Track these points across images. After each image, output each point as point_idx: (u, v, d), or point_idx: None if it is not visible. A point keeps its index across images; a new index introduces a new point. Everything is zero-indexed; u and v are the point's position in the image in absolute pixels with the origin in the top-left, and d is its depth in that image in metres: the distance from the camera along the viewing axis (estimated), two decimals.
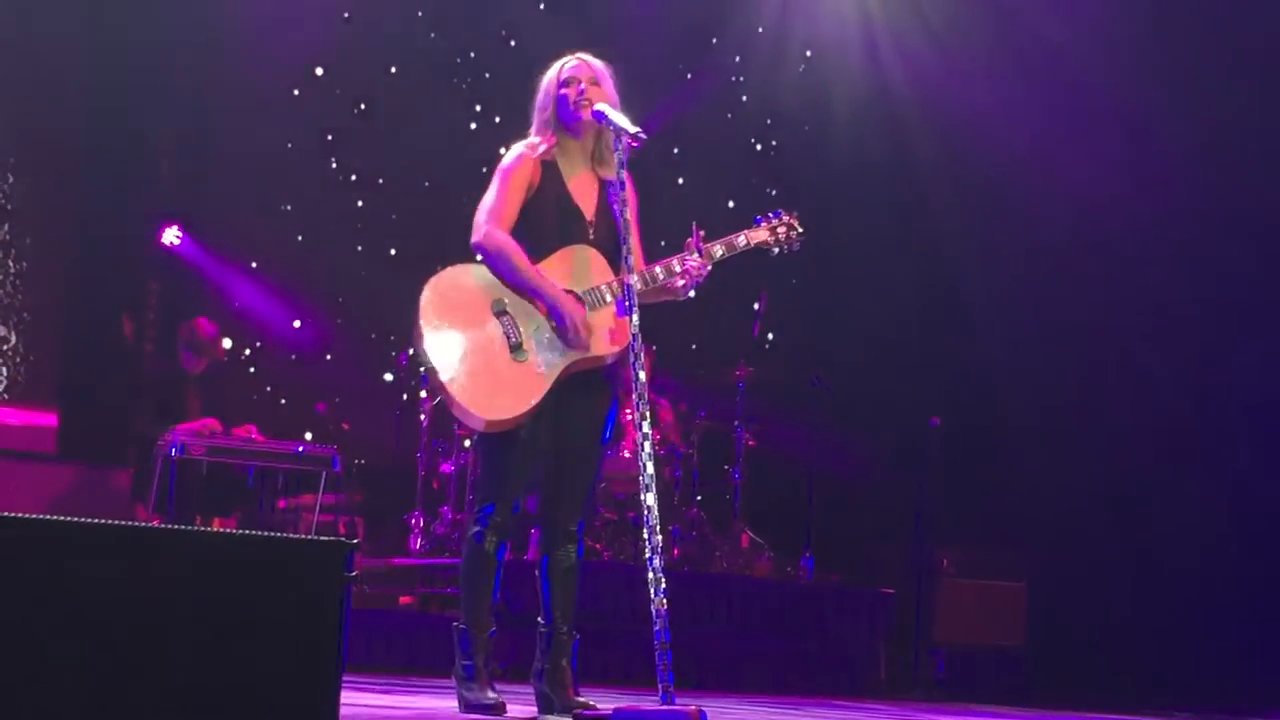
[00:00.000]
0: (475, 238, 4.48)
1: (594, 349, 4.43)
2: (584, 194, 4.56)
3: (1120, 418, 9.63)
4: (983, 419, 9.82)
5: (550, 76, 4.58)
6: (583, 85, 4.49)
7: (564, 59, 4.60)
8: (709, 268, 4.54)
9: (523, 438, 4.41)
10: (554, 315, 4.40)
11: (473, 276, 4.48)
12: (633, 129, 4.32)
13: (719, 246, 4.60)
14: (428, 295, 4.45)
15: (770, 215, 4.79)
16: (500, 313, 4.43)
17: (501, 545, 4.48)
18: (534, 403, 4.37)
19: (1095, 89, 9.75)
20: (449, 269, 4.52)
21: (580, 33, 4.66)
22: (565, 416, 4.48)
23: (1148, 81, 9.34)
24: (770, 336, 10.88)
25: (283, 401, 9.97)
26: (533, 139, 4.59)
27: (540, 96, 4.59)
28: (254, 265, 10.02)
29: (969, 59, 10.20)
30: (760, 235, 4.73)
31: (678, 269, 4.48)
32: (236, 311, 9.81)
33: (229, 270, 9.89)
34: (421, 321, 4.42)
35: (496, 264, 4.44)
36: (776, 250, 4.77)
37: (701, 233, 4.53)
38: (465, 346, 4.41)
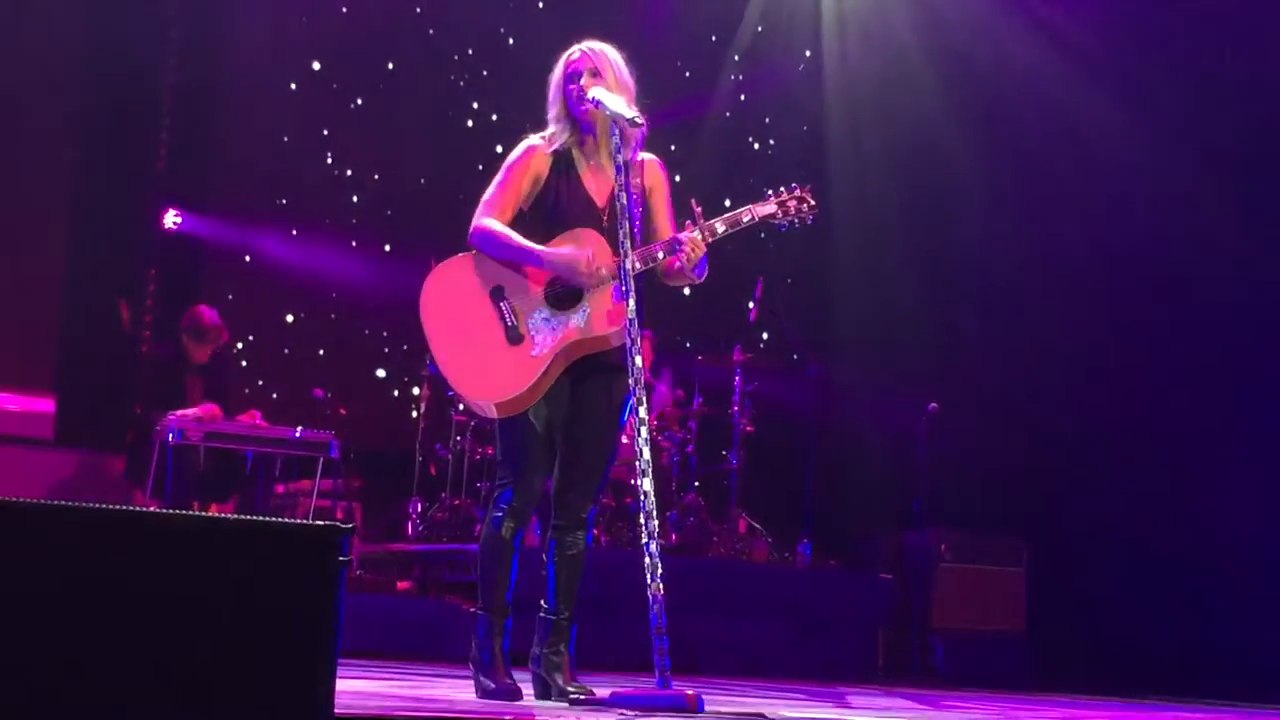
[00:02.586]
0: (469, 230, 4.49)
1: (594, 328, 4.41)
2: (598, 182, 4.53)
3: (1119, 402, 9.64)
4: (980, 404, 9.82)
5: (557, 71, 4.54)
6: (583, 80, 4.45)
7: (570, 50, 4.55)
8: (706, 243, 4.44)
9: (532, 421, 4.42)
10: (554, 270, 4.38)
11: (471, 266, 4.49)
12: (629, 114, 4.30)
13: (720, 223, 4.50)
14: (428, 288, 4.49)
15: (781, 188, 4.68)
16: (498, 299, 4.44)
17: (519, 531, 4.48)
18: (529, 383, 4.35)
19: (1113, 79, 9.74)
20: (448, 260, 4.53)
21: (578, 30, 4.61)
22: (581, 403, 4.47)
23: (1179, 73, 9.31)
24: (765, 336, 10.88)
25: (274, 396, 9.97)
26: (547, 131, 4.57)
27: (550, 90, 4.55)
28: (248, 259, 10.03)
29: (963, 55, 10.21)
30: (767, 209, 4.60)
31: (684, 239, 4.42)
32: (229, 302, 9.78)
33: (244, 233, 9.89)
34: (423, 314, 4.46)
35: (486, 245, 4.45)
36: (786, 225, 4.64)
37: (700, 209, 4.50)
38: (463, 335, 4.43)
